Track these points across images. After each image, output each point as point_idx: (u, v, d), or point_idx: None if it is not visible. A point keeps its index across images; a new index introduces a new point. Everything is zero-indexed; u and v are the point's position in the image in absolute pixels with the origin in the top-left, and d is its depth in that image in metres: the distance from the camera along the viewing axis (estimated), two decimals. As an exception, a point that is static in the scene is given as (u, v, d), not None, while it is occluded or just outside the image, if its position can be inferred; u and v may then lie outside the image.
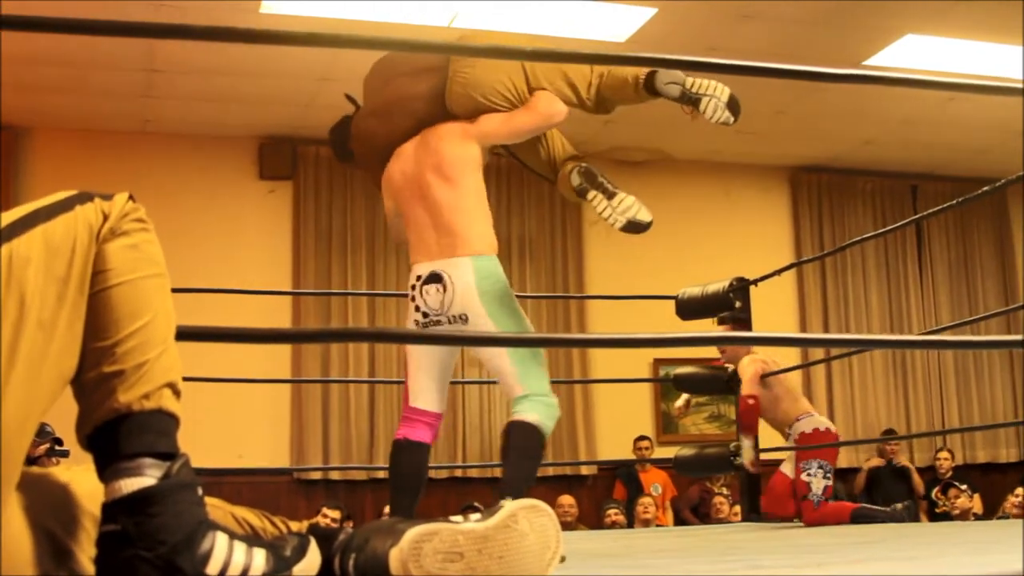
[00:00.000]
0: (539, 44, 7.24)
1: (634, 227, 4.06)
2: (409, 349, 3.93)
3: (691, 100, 3.95)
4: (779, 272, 6.23)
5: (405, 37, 3.08)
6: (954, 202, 4.93)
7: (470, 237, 3.85)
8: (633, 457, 9.92)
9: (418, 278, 3.85)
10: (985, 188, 4.64)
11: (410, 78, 4.02)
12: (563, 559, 3.52)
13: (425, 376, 3.90)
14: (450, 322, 3.79)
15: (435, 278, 3.80)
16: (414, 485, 3.95)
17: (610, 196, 4.10)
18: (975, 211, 11.81)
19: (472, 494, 9.12)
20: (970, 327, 10.57)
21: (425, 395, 3.91)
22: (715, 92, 3.92)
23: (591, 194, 4.12)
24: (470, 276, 3.78)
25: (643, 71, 4.00)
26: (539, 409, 3.74)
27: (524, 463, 3.71)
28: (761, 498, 6.15)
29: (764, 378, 6.05)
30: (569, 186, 4.21)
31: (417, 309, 3.83)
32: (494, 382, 9.46)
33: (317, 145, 9.85)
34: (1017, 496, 8.63)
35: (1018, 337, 7.57)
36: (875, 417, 11.08)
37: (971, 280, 11.80)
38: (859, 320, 11.24)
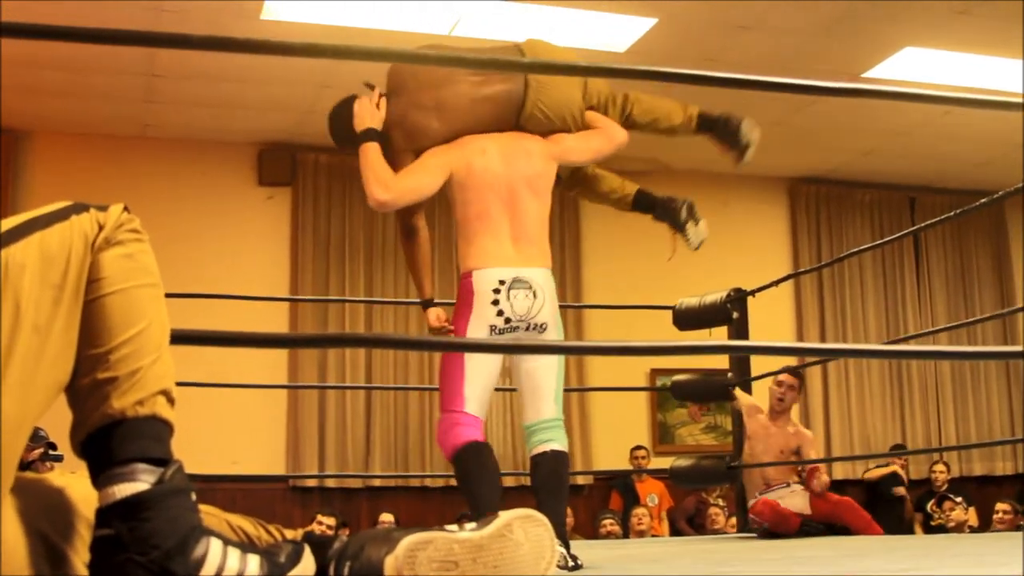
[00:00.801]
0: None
1: (701, 244, 4.56)
2: (472, 356, 3.81)
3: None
4: (777, 283, 6.23)
5: (406, 48, 3.09)
6: (952, 214, 4.93)
7: (547, 250, 3.92)
8: (629, 467, 9.91)
9: (501, 282, 3.77)
10: (983, 200, 4.64)
11: (477, 80, 4.03)
12: (579, 565, 3.53)
13: (484, 384, 3.83)
14: (528, 329, 3.77)
15: (523, 284, 3.78)
16: (501, 484, 3.80)
17: (697, 223, 4.56)
18: (973, 223, 11.83)
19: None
20: (967, 336, 10.59)
21: (478, 403, 3.80)
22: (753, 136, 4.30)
23: (690, 224, 4.54)
24: (551, 287, 3.86)
25: (693, 109, 4.32)
26: (565, 437, 3.82)
27: (563, 497, 3.76)
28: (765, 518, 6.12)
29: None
30: (625, 204, 4.63)
31: (500, 314, 3.74)
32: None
33: (316, 152, 9.86)
34: (998, 512, 8.69)
35: (1017, 348, 7.55)
36: (872, 429, 11.08)
37: (968, 292, 11.81)
38: (856, 332, 11.23)
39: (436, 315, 4.11)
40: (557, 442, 3.76)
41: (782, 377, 6.48)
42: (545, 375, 3.80)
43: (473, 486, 3.71)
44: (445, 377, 3.83)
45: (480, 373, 3.79)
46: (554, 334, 3.82)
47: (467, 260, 3.87)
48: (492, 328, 3.74)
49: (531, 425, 3.81)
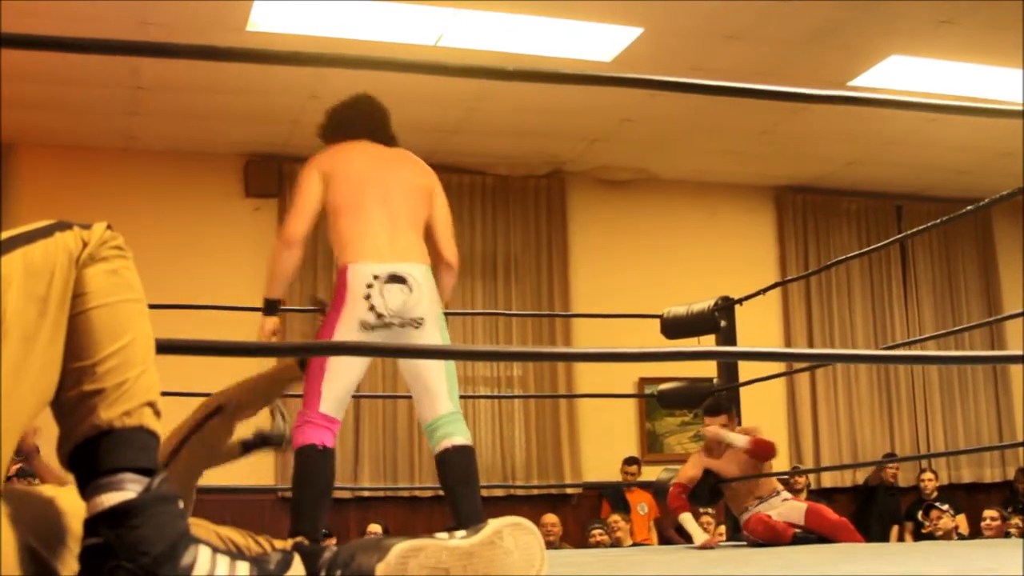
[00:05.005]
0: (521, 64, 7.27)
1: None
2: (337, 358, 3.85)
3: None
4: (764, 291, 6.24)
5: (390, 57, 3.09)
6: (938, 221, 4.94)
7: (423, 246, 3.96)
8: (619, 478, 9.90)
9: (375, 277, 3.81)
10: (969, 208, 4.65)
11: None
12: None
13: (344, 383, 3.85)
14: (402, 326, 3.78)
15: (398, 279, 3.80)
16: (330, 495, 3.83)
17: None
18: (959, 231, 11.86)
19: (457, 513, 9.08)
20: (954, 343, 10.61)
21: (337, 404, 3.83)
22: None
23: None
24: (430, 281, 3.87)
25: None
26: (465, 430, 3.82)
27: (477, 488, 3.75)
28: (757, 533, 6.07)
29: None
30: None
31: (372, 308, 3.78)
32: (481, 397, 9.55)
33: (303, 163, 9.81)
34: (985, 519, 8.75)
35: (1006, 352, 7.59)
36: (860, 437, 11.10)
37: (955, 300, 11.84)
38: (844, 339, 11.25)
39: (275, 324, 4.20)
40: (459, 436, 3.77)
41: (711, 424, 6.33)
42: (433, 375, 3.81)
43: (297, 491, 3.75)
44: (308, 376, 3.86)
45: (342, 372, 3.81)
46: (433, 330, 3.82)
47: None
48: (363, 324, 3.78)
49: (430, 424, 3.82)
